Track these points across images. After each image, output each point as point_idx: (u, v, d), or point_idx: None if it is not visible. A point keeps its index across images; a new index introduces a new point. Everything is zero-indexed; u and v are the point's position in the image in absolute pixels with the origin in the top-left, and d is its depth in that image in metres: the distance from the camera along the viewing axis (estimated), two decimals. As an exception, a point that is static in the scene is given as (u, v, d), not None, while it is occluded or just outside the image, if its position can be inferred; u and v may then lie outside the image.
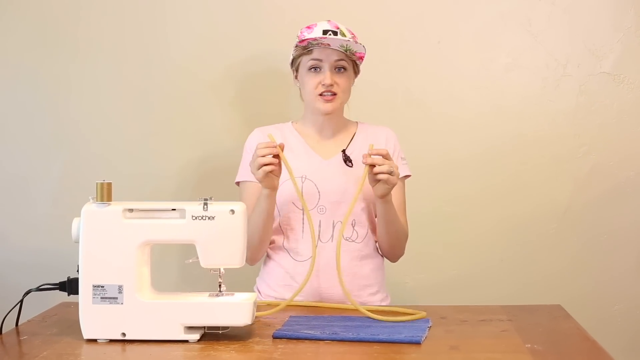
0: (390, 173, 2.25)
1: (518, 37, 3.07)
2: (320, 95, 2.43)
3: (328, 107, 2.44)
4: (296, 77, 2.52)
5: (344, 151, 2.50)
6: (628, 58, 3.05)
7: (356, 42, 2.40)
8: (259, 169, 2.24)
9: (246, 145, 2.55)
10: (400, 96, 3.09)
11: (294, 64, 2.50)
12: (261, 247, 2.45)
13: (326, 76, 2.42)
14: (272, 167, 2.24)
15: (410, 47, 3.08)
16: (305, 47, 2.42)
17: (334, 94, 2.43)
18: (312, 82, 2.43)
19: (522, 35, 3.07)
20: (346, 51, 2.42)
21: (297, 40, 2.44)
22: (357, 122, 2.59)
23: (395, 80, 3.08)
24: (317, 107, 2.45)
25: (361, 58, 2.48)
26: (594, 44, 3.05)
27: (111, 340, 1.96)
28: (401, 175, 2.49)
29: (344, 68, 2.45)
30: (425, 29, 3.08)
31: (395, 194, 2.44)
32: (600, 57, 3.05)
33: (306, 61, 2.44)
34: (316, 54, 2.42)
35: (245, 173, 2.48)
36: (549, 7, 3.05)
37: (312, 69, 2.43)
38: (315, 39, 2.38)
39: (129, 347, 1.93)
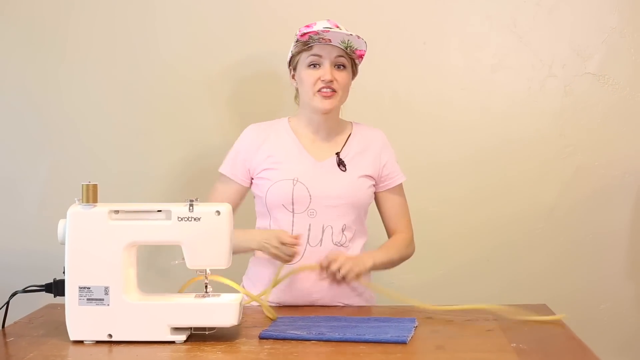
0: (345, 271, 2.32)
1: (503, 38, 3.08)
2: (319, 91, 2.40)
3: (326, 104, 2.40)
4: (293, 77, 2.50)
5: (338, 154, 2.49)
6: (613, 59, 3.06)
7: (358, 37, 2.37)
8: (274, 257, 2.33)
9: (240, 140, 2.52)
10: (387, 97, 3.09)
11: (292, 62, 2.46)
12: None
13: (326, 71, 2.38)
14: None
15: (397, 48, 3.09)
16: (305, 43, 2.39)
17: (334, 91, 2.40)
18: (311, 78, 2.39)
19: (507, 36, 3.08)
20: (346, 48, 2.40)
21: (297, 37, 2.42)
22: (351, 122, 2.57)
23: (382, 82, 3.08)
24: (314, 104, 2.42)
25: (361, 57, 2.46)
26: (579, 45, 3.07)
27: (98, 342, 1.96)
28: (397, 183, 2.53)
29: (344, 65, 2.42)
30: (411, 31, 3.09)
31: (396, 202, 2.54)
32: (585, 58, 3.07)
33: (305, 57, 2.41)
34: (316, 49, 2.39)
35: (232, 168, 2.49)
36: (534, 8, 3.07)
37: (312, 65, 2.40)
38: (317, 32, 2.35)
39: (116, 349, 1.93)
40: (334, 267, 2.32)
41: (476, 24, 3.09)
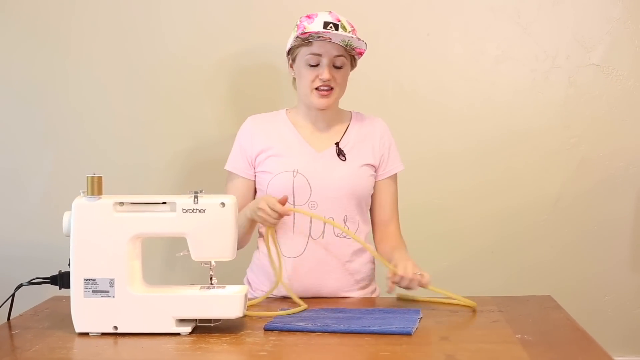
0: (414, 282, 2.27)
1: (507, 29, 3.08)
2: (317, 89, 2.39)
3: (323, 102, 2.41)
4: (291, 66, 2.48)
5: (337, 144, 2.49)
6: (617, 50, 3.06)
7: (358, 39, 2.35)
8: (261, 220, 2.30)
9: (238, 133, 2.52)
10: (390, 89, 3.09)
11: (291, 53, 2.45)
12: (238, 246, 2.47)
13: (324, 71, 2.38)
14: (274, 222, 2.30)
15: (400, 39, 3.09)
16: (305, 39, 2.37)
17: (331, 89, 2.40)
18: (309, 76, 2.39)
19: (511, 27, 3.07)
20: (346, 46, 2.38)
21: (296, 29, 2.40)
22: (351, 111, 2.57)
23: (386, 73, 3.08)
24: (311, 101, 2.42)
25: (360, 54, 2.44)
26: (583, 36, 3.06)
27: (103, 334, 1.97)
28: (395, 171, 2.52)
29: (342, 63, 2.41)
30: (414, 22, 3.09)
31: (388, 193, 2.50)
32: (589, 49, 3.06)
33: (305, 53, 2.39)
34: (316, 47, 2.37)
35: (235, 163, 2.49)
36: (538, -1, 3.07)
37: (310, 63, 2.39)
38: (317, 33, 2.34)
39: (121, 341, 1.93)
40: (418, 276, 2.26)
41: (480, 15, 3.08)
